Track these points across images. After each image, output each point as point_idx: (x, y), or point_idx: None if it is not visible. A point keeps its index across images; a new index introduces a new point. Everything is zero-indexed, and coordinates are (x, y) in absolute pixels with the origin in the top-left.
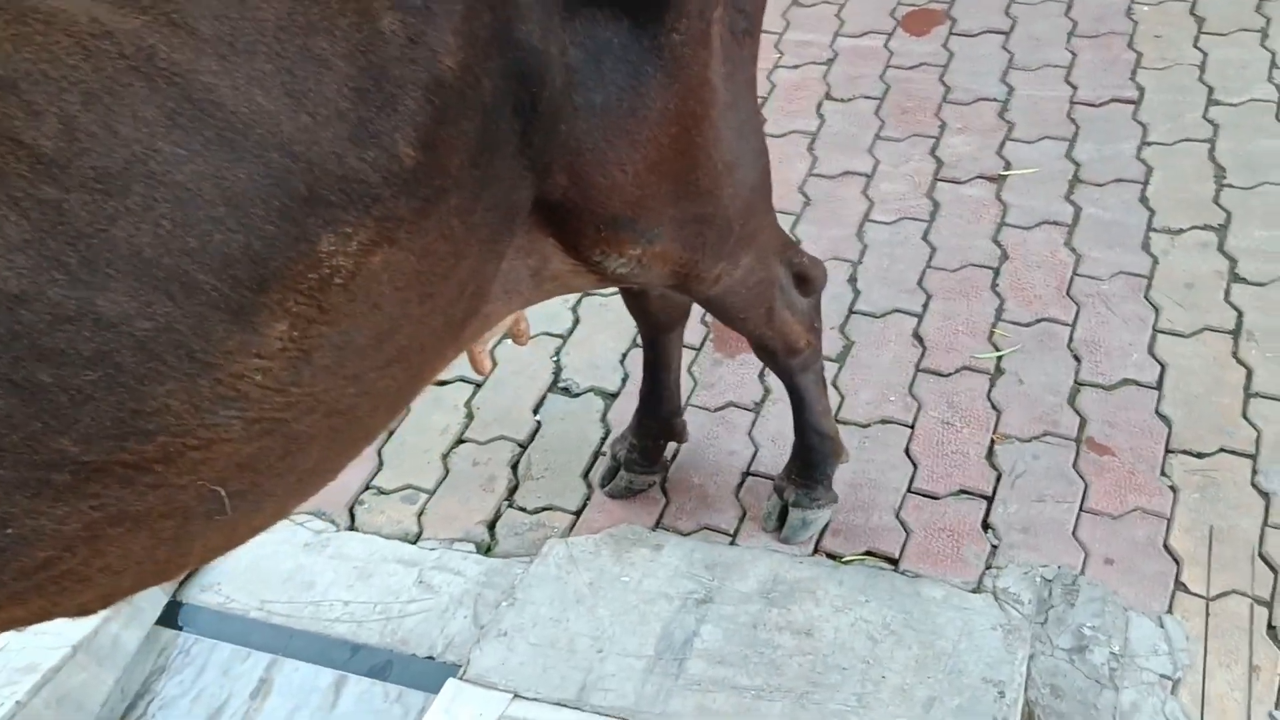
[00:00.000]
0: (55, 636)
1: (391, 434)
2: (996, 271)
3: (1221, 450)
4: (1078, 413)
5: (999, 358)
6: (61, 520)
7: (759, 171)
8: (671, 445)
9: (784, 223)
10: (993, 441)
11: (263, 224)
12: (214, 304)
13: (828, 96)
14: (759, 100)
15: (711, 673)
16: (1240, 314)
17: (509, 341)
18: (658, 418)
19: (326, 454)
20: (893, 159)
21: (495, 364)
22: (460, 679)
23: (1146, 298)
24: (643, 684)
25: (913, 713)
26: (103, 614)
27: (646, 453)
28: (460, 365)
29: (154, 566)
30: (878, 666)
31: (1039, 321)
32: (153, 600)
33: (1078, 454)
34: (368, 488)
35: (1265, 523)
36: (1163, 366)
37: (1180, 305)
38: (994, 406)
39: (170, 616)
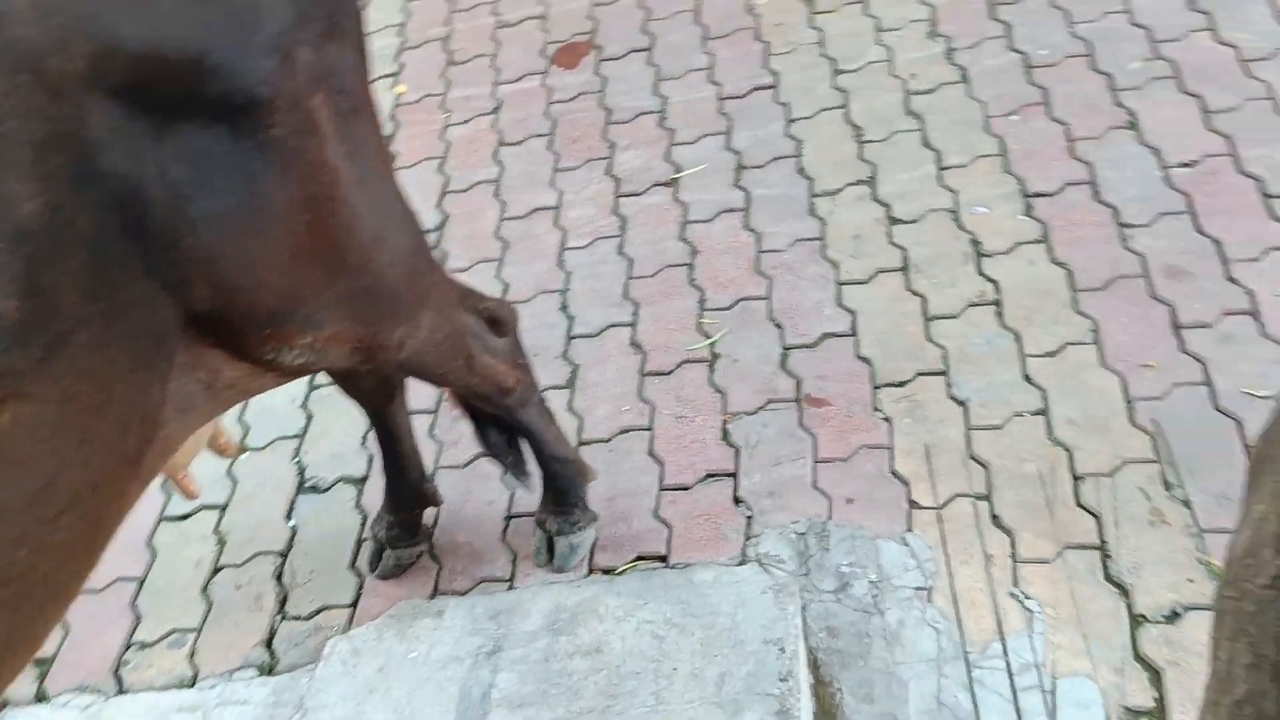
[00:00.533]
0: None
1: (143, 582)
2: (691, 266)
3: (918, 374)
4: (791, 375)
5: (711, 344)
6: None
7: (411, 235)
8: (430, 511)
9: (487, 269)
10: (724, 422)
11: None
12: None
13: (501, 143)
14: (424, 161)
15: (514, 717)
16: (904, 251)
17: (246, 456)
18: (407, 488)
19: (18, 622)
20: (574, 187)
21: (212, 486)
22: None
23: (824, 257)
24: None
25: (707, 693)
26: None
27: (406, 526)
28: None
29: None
30: (668, 661)
31: (738, 302)
32: None
33: (800, 412)
34: (129, 645)
35: (968, 427)
36: (852, 314)
37: (854, 256)
38: (718, 390)
39: None
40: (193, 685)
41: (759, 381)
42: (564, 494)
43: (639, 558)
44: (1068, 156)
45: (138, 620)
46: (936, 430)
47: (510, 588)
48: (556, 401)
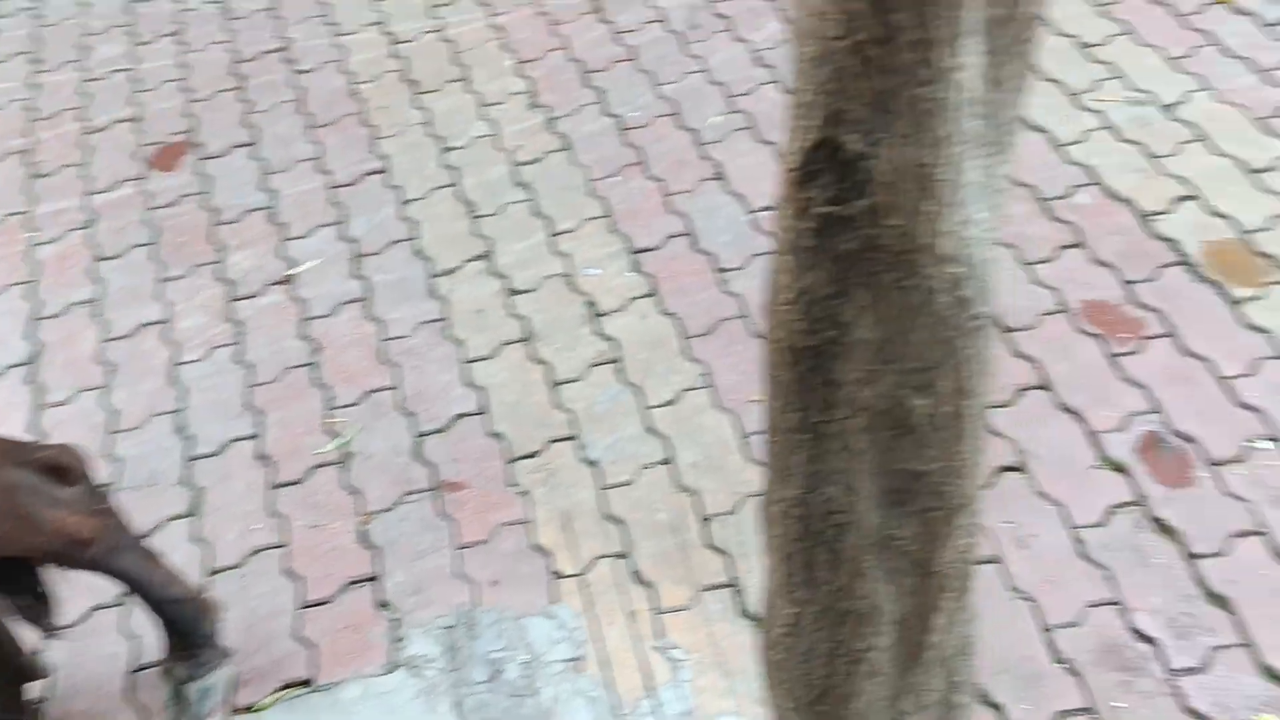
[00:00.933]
0: None
1: None
2: (315, 364)
3: (549, 442)
4: (425, 463)
5: (341, 445)
6: None
7: None
8: (39, 684)
9: (90, 398)
10: (361, 523)
11: None
12: None
13: (97, 258)
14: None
15: None
16: (525, 320)
17: None
18: (3, 664)
19: None
20: (183, 296)
21: None
22: None
23: (448, 337)
24: None
25: None
26: None
27: (8, 707)
28: None
29: None
30: None
31: (367, 395)
32: None
33: (439, 500)
34: None
35: (601, 487)
36: (482, 391)
37: (478, 332)
38: (352, 490)
39: None
40: None
41: (393, 474)
42: (187, 636)
43: (284, 686)
44: (665, 211)
45: None
46: (572, 495)
47: None
48: (180, 531)
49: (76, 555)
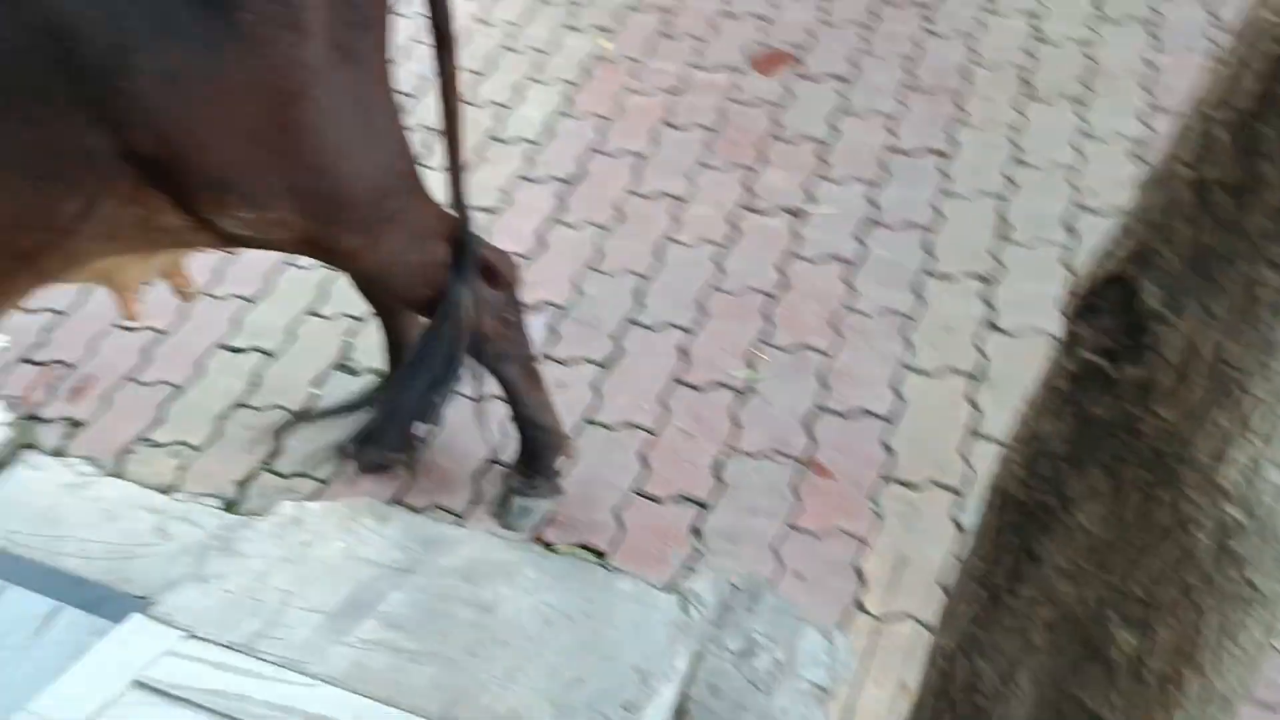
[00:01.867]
0: None
1: (180, 392)
2: (773, 298)
3: (932, 483)
4: (809, 435)
5: (750, 378)
6: None
7: (391, 155)
8: (425, 428)
9: (593, 236)
10: (724, 453)
11: None
12: None
13: (665, 123)
14: (569, 106)
15: (379, 634)
16: (986, 359)
17: (312, 319)
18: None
19: None
20: (708, 186)
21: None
22: (144, 614)
23: (904, 336)
24: (311, 637)
25: (553, 689)
26: None
27: (398, 440)
28: (255, 334)
29: None
30: (538, 645)
31: (799, 348)
32: None
33: (800, 474)
34: (143, 440)
35: (954, 553)
36: (903, 402)
37: (934, 346)
38: (734, 422)
39: None
40: (166, 493)
41: (776, 429)
42: (534, 459)
43: (582, 545)
44: None
45: (160, 421)
46: (920, 545)
47: (457, 523)
48: (585, 375)
49: (470, 343)
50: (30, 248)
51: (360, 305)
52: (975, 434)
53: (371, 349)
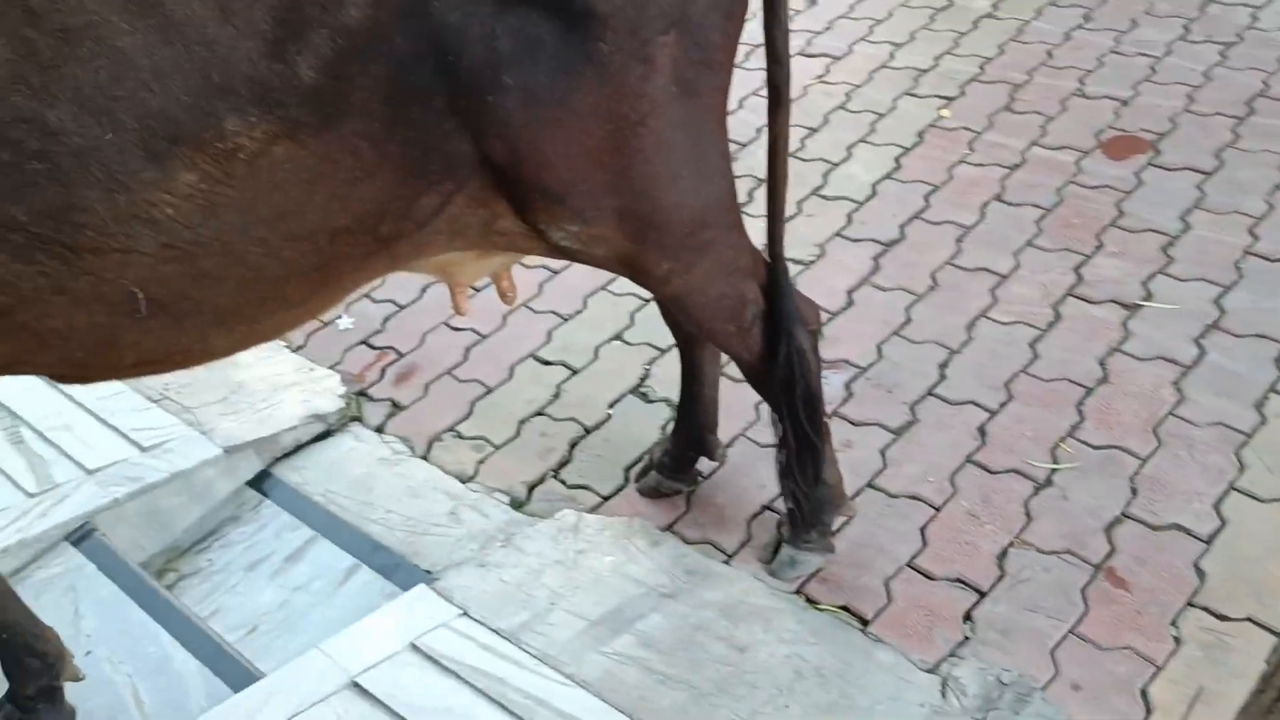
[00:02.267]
0: (163, 464)
1: (490, 392)
2: (1090, 391)
3: (1248, 619)
4: (1110, 541)
5: (1054, 470)
6: (17, 276)
7: (714, 189)
8: (706, 462)
9: (904, 301)
10: (1011, 544)
11: (179, 94)
12: (134, 141)
13: (997, 198)
14: (930, 188)
15: (634, 651)
16: None
17: (617, 343)
18: (690, 429)
19: (239, 299)
20: (1034, 266)
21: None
22: (429, 585)
23: (1236, 454)
24: (572, 639)
25: None
26: (203, 458)
27: (677, 461)
28: (564, 349)
29: (93, 344)
30: (787, 696)
31: (1110, 448)
32: (248, 463)
33: (1091, 580)
34: (451, 430)
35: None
36: (1223, 522)
37: (1270, 470)
38: (1027, 513)
39: (258, 481)
40: (463, 482)
41: (1073, 528)
42: (810, 512)
43: (844, 607)
44: None
45: (468, 415)
46: (1225, 681)
47: (726, 561)
48: (875, 440)
49: (760, 386)
50: (389, 233)
51: (663, 338)
52: None
53: (667, 380)
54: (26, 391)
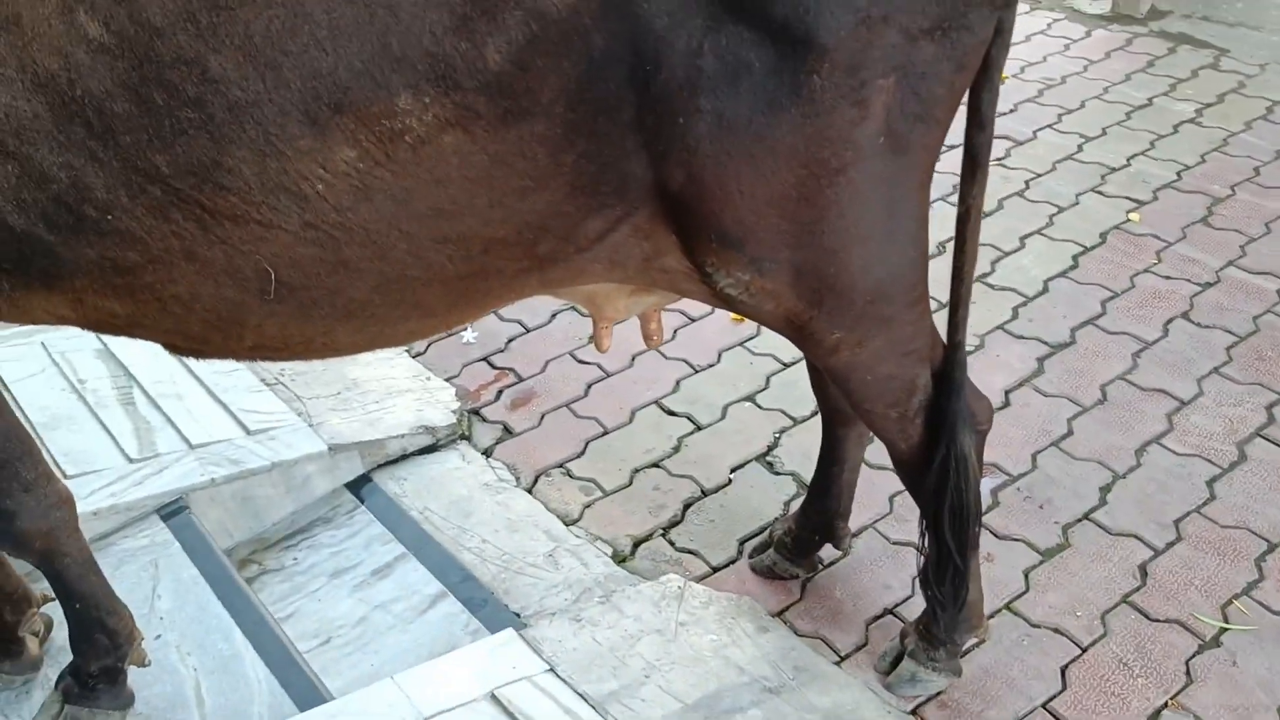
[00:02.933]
0: (265, 451)
1: (606, 433)
2: (1272, 547)
3: None
4: None
5: (1223, 630)
6: (149, 232)
7: (906, 260)
8: (830, 550)
9: (1067, 412)
10: (1165, 705)
11: (352, 58)
12: (296, 103)
13: (1184, 316)
14: (1108, 296)
15: None
16: None
17: (748, 404)
18: (820, 512)
19: (375, 297)
20: (1219, 398)
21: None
22: (518, 632)
23: None
24: None
25: None
26: (307, 451)
27: (799, 543)
28: (691, 402)
29: (214, 319)
30: None
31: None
32: (350, 464)
33: None
34: (560, 466)
35: None
36: None
37: None
38: (1188, 673)
39: (357, 485)
40: (569, 525)
41: (1242, 701)
42: (942, 626)
43: None
44: None
45: (580, 454)
46: None
47: (837, 663)
48: (1020, 559)
49: (910, 480)
50: (547, 253)
51: (799, 406)
52: None
53: (797, 453)
54: (145, 352)
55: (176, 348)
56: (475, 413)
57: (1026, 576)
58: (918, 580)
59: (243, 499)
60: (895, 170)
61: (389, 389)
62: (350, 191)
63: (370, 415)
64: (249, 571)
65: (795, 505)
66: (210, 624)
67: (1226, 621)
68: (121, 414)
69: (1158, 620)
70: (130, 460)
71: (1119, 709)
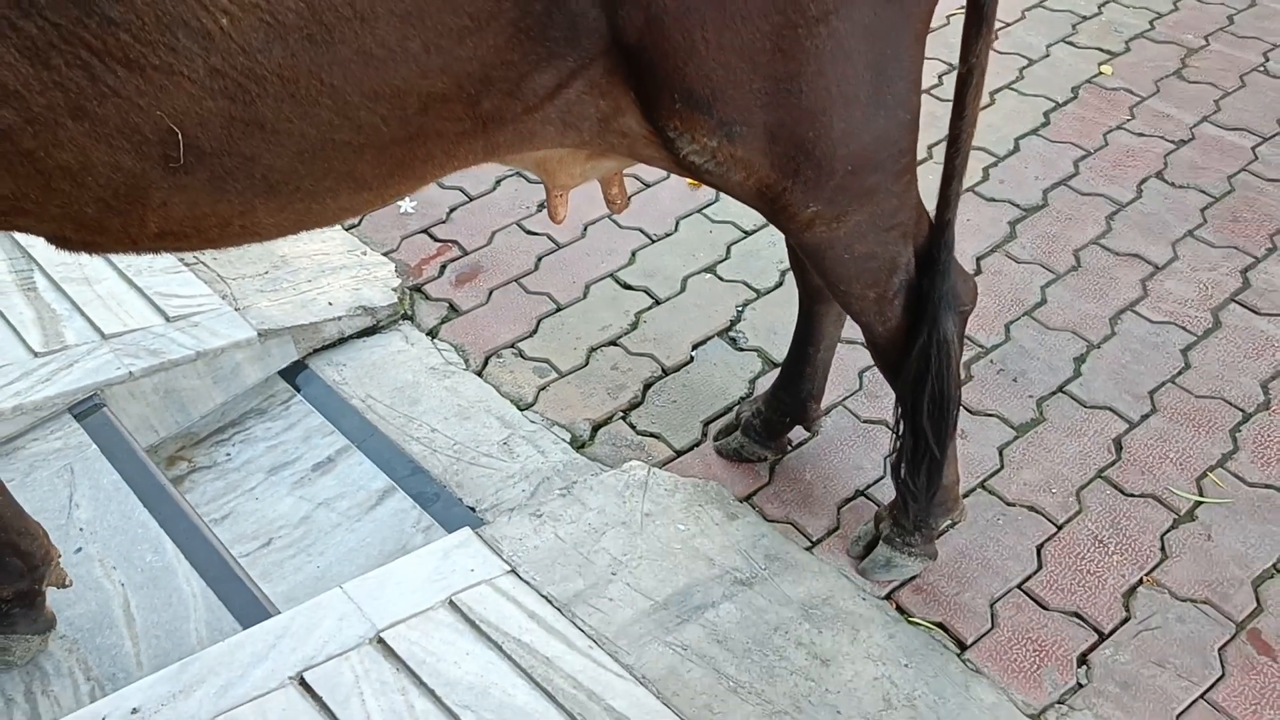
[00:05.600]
0: (188, 340)
1: (559, 310)
2: (1247, 416)
3: None
4: (1258, 598)
5: (1198, 503)
6: (25, 84)
7: (894, 125)
8: (799, 430)
9: (1038, 278)
10: (1141, 581)
11: None
12: None
13: (1158, 175)
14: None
15: (703, 646)
16: None
17: (709, 276)
18: (792, 393)
19: (299, 166)
20: (1194, 262)
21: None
22: (475, 531)
23: None
24: (633, 622)
25: None
26: (234, 339)
27: (769, 425)
28: (648, 275)
29: (110, 196)
30: None
31: (1267, 487)
32: (283, 351)
33: (1231, 639)
34: (512, 346)
35: None
36: None
37: None
38: (1163, 548)
39: (291, 372)
40: (523, 409)
41: (1216, 575)
42: (913, 514)
43: (940, 624)
44: None
45: (532, 333)
46: None
47: (808, 548)
48: (994, 435)
49: (886, 361)
50: (491, 112)
51: (762, 277)
52: None
53: (761, 327)
54: None
55: (67, 240)
56: (417, 290)
57: (1001, 453)
58: (889, 469)
59: (165, 392)
60: (885, 19)
61: (322, 266)
62: (260, 28)
63: (303, 296)
64: (177, 470)
65: (761, 382)
66: (136, 533)
67: (1201, 495)
68: (22, 301)
69: (1133, 495)
70: (35, 354)
71: (1094, 587)
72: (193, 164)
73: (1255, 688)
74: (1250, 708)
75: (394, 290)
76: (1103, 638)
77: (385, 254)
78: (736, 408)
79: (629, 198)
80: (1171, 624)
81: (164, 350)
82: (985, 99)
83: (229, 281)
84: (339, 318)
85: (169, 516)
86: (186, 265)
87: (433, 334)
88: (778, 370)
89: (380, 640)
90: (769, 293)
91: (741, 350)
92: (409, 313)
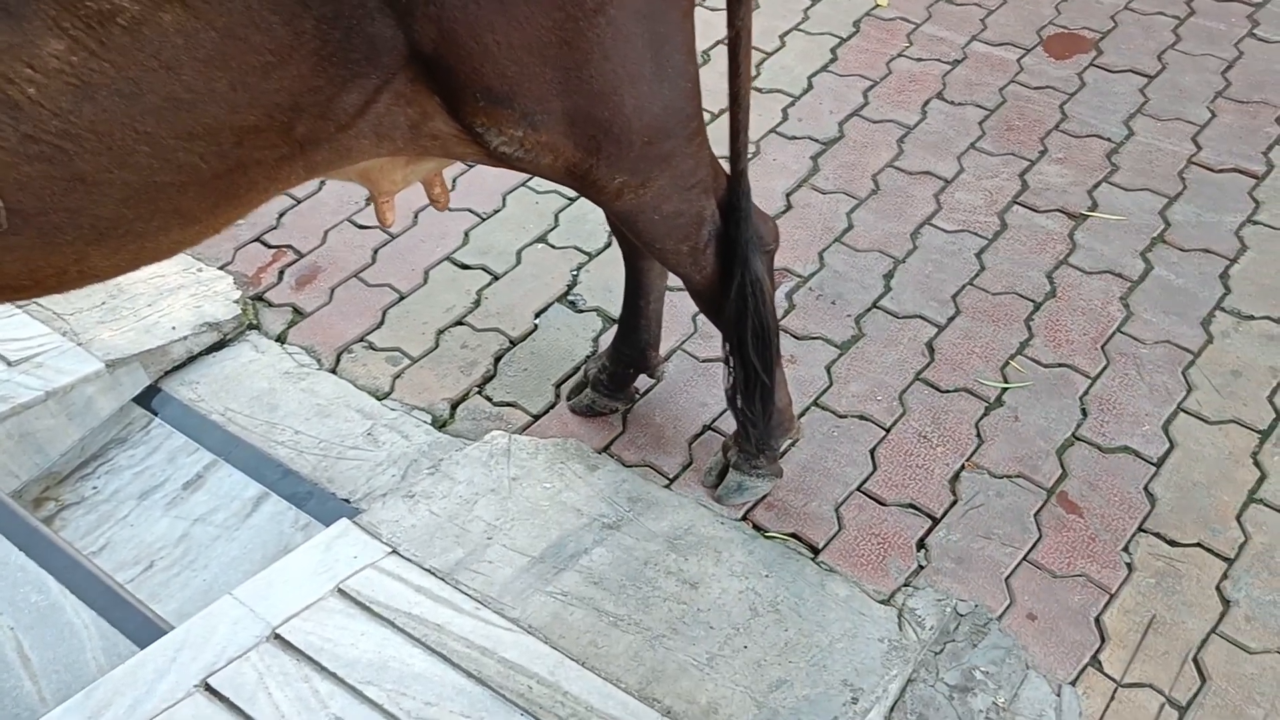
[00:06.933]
0: (35, 381)
1: (402, 299)
2: (1037, 306)
3: (1199, 545)
4: (1061, 465)
5: (1004, 389)
6: None
7: (678, 95)
8: (644, 379)
9: (845, 206)
10: (962, 468)
11: None
12: None
13: (939, 96)
14: (868, 83)
15: (581, 590)
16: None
17: (541, 245)
18: (631, 345)
19: (125, 211)
20: (978, 171)
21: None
22: (352, 520)
23: (1184, 374)
24: (514, 579)
25: (757, 686)
26: (82, 373)
27: (615, 378)
28: (483, 252)
29: None
30: (744, 636)
31: (1060, 366)
32: (134, 377)
33: (1044, 505)
34: (361, 340)
35: (1214, 630)
36: (1171, 445)
37: (1217, 391)
38: (979, 434)
39: (146, 398)
40: (381, 399)
41: (1025, 451)
42: (757, 437)
43: (794, 535)
44: None
45: (379, 324)
46: (1177, 610)
47: (667, 486)
48: (820, 355)
49: (709, 305)
50: (305, 135)
51: (591, 240)
52: (1257, 499)
53: (597, 287)
54: None
55: None
56: (259, 298)
57: (829, 371)
58: (727, 401)
59: (20, 436)
60: (657, 5)
61: (159, 289)
62: (68, 91)
63: (144, 321)
64: (45, 511)
65: (603, 340)
66: (16, 577)
67: (1006, 381)
68: None
69: (947, 391)
70: None
71: (924, 479)
72: (19, 225)
73: (1067, 543)
74: (1065, 560)
75: (236, 302)
76: (936, 522)
77: (221, 268)
78: (584, 366)
79: (449, 193)
80: (992, 500)
81: (12, 395)
82: (776, 42)
83: (66, 318)
84: (185, 337)
85: (46, 555)
86: (19, 308)
87: (281, 339)
88: (616, 326)
89: (277, 636)
90: (600, 254)
91: (581, 312)
92: (254, 322)
